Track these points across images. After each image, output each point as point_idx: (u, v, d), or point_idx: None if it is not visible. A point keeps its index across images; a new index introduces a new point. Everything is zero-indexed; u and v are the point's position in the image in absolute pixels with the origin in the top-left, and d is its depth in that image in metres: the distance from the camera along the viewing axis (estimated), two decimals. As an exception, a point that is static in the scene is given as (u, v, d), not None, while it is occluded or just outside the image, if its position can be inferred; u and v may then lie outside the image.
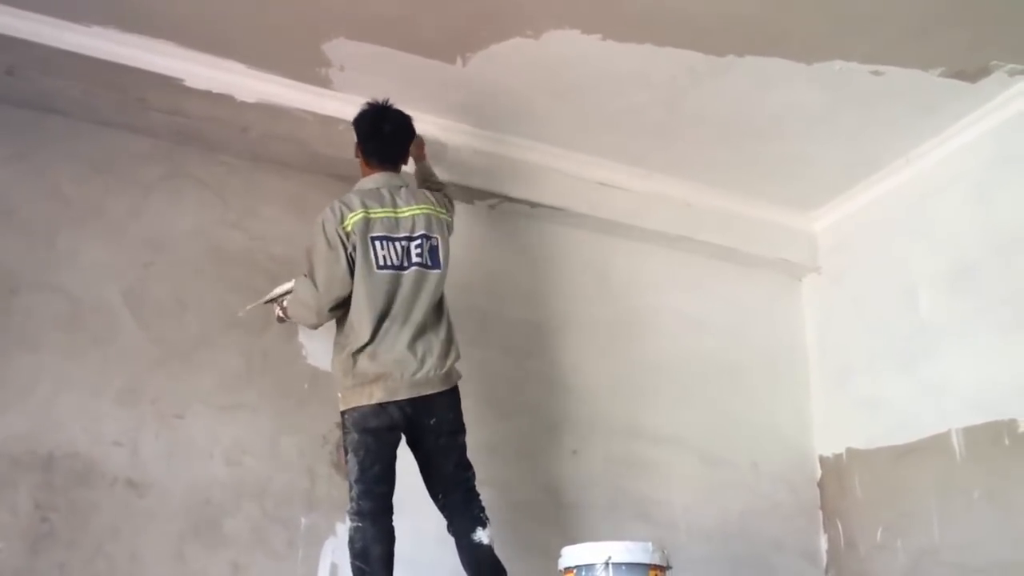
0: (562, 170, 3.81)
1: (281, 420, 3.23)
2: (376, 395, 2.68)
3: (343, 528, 3.17)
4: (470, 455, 3.40)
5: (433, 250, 2.85)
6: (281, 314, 2.98)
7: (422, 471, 2.83)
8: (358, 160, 3.02)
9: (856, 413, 3.91)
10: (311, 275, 2.79)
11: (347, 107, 3.43)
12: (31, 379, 2.97)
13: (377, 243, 2.76)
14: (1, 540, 2.79)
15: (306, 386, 3.30)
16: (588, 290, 3.92)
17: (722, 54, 3.18)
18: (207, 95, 3.26)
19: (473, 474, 2.85)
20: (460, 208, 3.73)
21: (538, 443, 3.61)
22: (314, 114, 3.43)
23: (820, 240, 4.26)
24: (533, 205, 3.80)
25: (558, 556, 2.66)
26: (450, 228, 3.00)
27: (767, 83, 3.32)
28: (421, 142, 3.30)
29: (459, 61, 3.24)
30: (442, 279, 2.86)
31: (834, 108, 3.46)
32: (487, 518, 2.79)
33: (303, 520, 3.16)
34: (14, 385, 2.94)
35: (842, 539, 3.88)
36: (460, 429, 2.85)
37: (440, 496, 2.80)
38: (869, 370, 3.87)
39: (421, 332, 2.77)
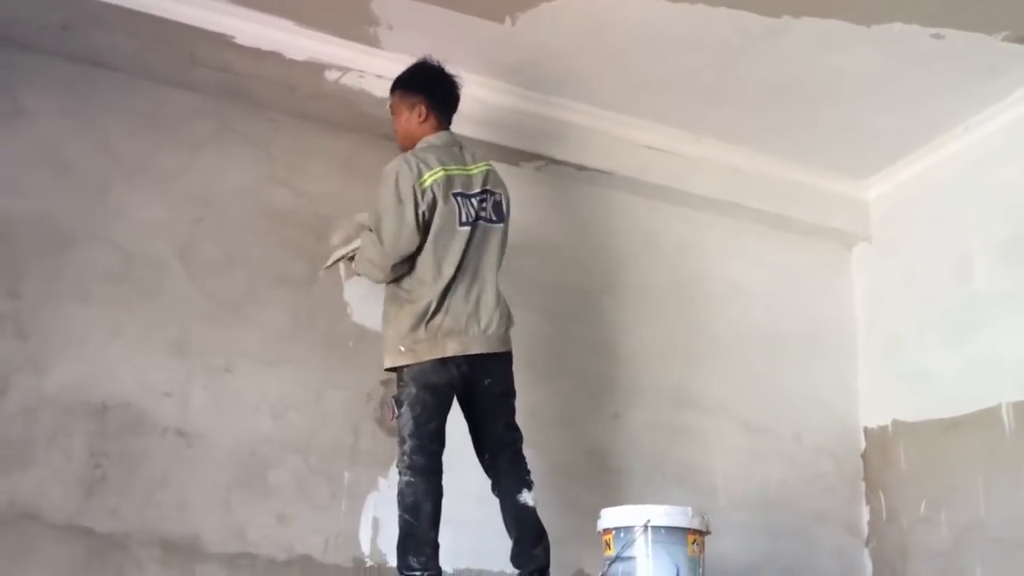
0: (610, 133, 3.77)
1: (326, 376, 3.27)
2: (450, 348, 2.67)
3: (385, 483, 3.23)
4: (514, 416, 3.45)
5: (496, 205, 2.86)
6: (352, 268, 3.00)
7: (471, 430, 2.84)
8: (408, 115, 2.93)
9: (904, 385, 3.86)
10: (376, 229, 2.73)
11: (395, 66, 3.41)
12: (84, 330, 3.04)
13: (459, 199, 2.76)
14: (56, 485, 2.88)
15: (351, 343, 3.33)
16: (634, 255, 3.90)
17: (777, 15, 3.11)
18: (256, 52, 3.26)
19: (521, 436, 2.85)
20: (505, 169, 3.71)
21: (580, 407, 3.62)
22: (362, 73, 3.42)
23: (873, 208, 4.17)
24: (580, 168, 3.77)
25: (597, 518, 2.68)
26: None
27: (823, 46, 3.24)
28: None
29: (508, 20, 3.21)
30: (505, 234, 2.88)
31: (892, 72, 3.37)
32: (532, 481, 2.79)
33: (346, 474, 3.21)
34: (68, 336, 3.02)
35: (884, 511, 3.85)
36: (511, 392, 2.85)
37: (487, 456, 2.81)
38: (918, 341, 3.80)
39: (486, 288, 2.78)
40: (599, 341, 3.73)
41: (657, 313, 3.86)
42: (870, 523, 3.92)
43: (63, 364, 2.99)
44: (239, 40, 3.23)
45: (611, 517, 2.62)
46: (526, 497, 2.74)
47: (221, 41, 3.21)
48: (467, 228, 2.76)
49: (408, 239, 2.70)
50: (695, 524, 2.56)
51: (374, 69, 3.42)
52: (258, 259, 3.31)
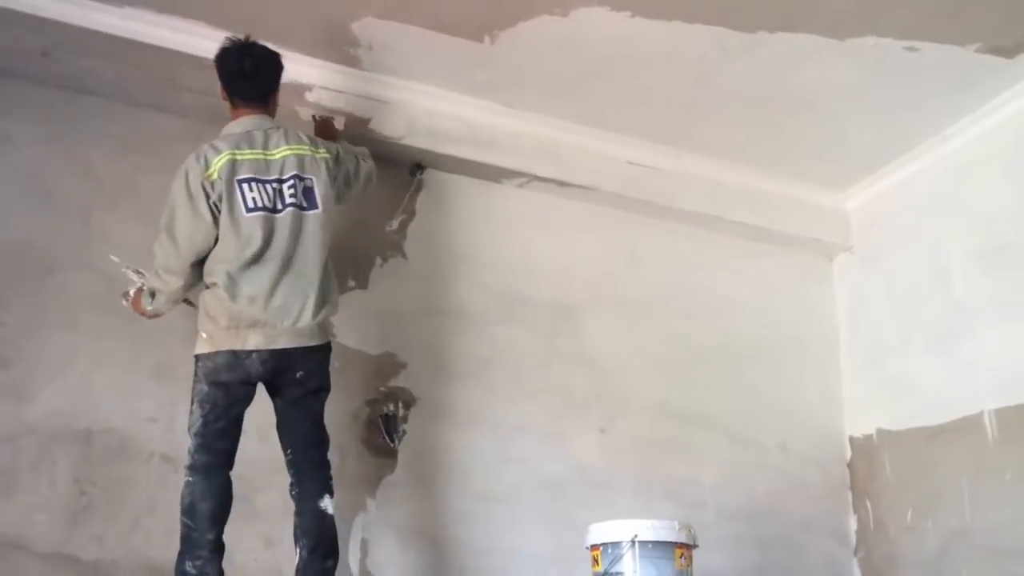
0: (591, 149, 3.80)
1: (311, 397, 3.26)
2: (252, 340, 2.58)
3: (373, 504, 3.23)
4: (498, 432, 3.47)
5: (308, 191, 2.72)
6: (138, 303, 2.80)
7: (278, 423, 2.73)
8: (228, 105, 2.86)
9: (887, 393, 3.88)
10: (168, 227, 2.64)
11: (376, 87, 3.46)
12: (68, 357, 3.03)
13: (244, 185, 2.63)
14: (42, 513, 2.87)
15: (337, 364, 3.30)
16: (617, 269, 3.92)
17: (753, 30, 3.14)
18: (237, 75, 3.27)
19: (327, 438, 2.76)
20: (487, 186, 3.75)
21: (566, 421, 3.62)
22: (343, 93, 3.43)
23: (852, 219, 4.21)
24: (562, 184, 3.79)
25: (585, 533, 2.68)
26: (331, 167, 2.81)
27: (799, 60, 3.28)
28: (333, 130, 3.27)
29: (487, 39, 3.23)
30: (324, 220, 2.73)
31: (867, 85, 3.41)
32: (333, 488, 2.69)
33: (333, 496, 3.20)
34: (52, 363, 3.01)
35: (872, 520, 3.86)
36: (325, 387, 2.76)
37: (290, 452, 2.70)
38: (901, 350, 3.83)
39: (299, 279, 2.65)
40: (583, 355, 3.74)
41: (640, 327, 3.88)
42: (858, 532, 3.93)
43: (47, 391, 2.97)
44: (220, 63, 3.24)
45: (598, 533, 2.63)
46: (326, 503, 2.64)
47: (202, 64, 3.20)
48: (259, 214, 2.63)
49: (204, 236, 2.62)
50: (682, 538, 2.57)
51: (355, 89, 3.44)
52: (242, 281, 3.30)
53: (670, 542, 2.55)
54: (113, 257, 2.91)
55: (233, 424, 2.65)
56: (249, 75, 2.80)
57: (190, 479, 2.57)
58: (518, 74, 3.42)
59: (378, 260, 3.54)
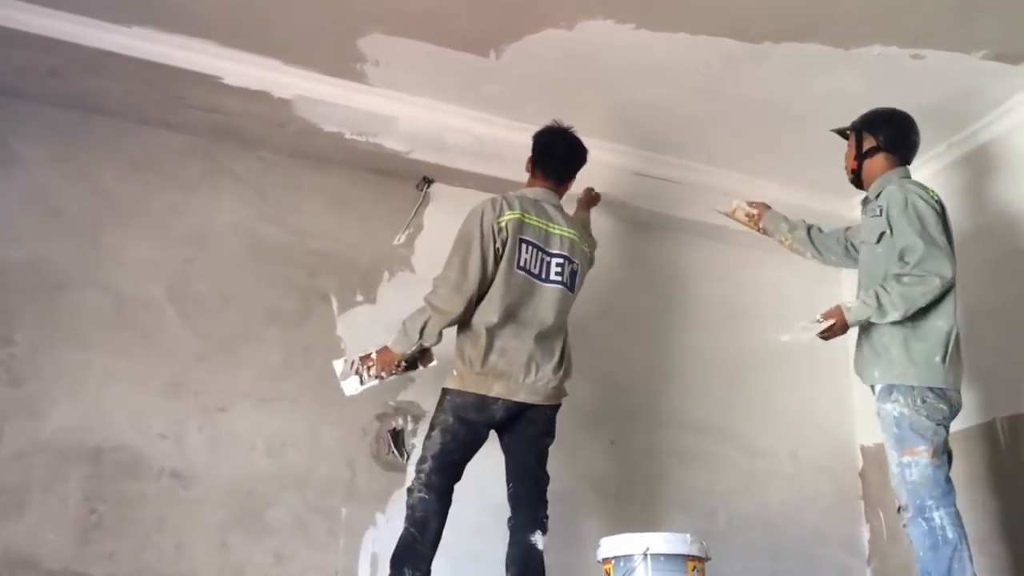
0: (599, 161, 3.77)
1: (322, 412, 3.27)
2: (495, 389, 2.79)
3: (383, 519, 3.22)
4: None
5: (573, 274, 2.98)
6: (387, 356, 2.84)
7: (505, 459, 2.92)
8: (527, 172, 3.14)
9: (898, 402, 3.85)
10: (462, 260, 2.82)
11: (382, 101, 3.47)
12: (79, 374, 3.04)
13: (524, 245, 2.88)
14: (52, 531, 2.87)
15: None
16: (627, 281, 3.92)
17: (758, 41, 3.15)
18: (245, 92, 3.28)
19: (547, 477, 2.90)
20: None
21: (577, 434, 3.61)
22: (350, 109, 3.45)
23: (861, 227, 4.19)
24: (569, 196, 3.78)
25: (597, 547, 2.67)
26: (590, 262, 3.15)
27: (805, 69, 3.28)
28: (597, 196, 3.53)
29: (492, 54, 3.25)
30: (572, 302, 3.00)
31: (874, 93, 3.39)
32: (547, 526, 2.83)
33: (344, 510, 3.20)
34: (63, 380, 3.02)
35: (884, 529, 3.84)
36: (550, 432, 2.95)
37: (511, 485, 2.87)
38: (911, 358, 3.80)
39: (547, 344, 2.89)
40: (594, 368, 3.72)
41: (651, 338, 3.87)
42: (871, 542, 3.91)
43: (58, 409, 2.99)
44: (227, 81, 3.26)
45: (610, 546, 2.61)
46: (537, 539, 2.78)
47: (209, 82, 3.24)
48: (524, 275, 2.86)
49: (485, 274, 2.82)
50: (694, 551, 2.56)
51: (362, 104, 3.45)
52: (251, 297, 3.32)
53: (682, 555, 2.53)
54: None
55: (466, 458, 2.82)
56: (561, 158, 3.11)
57: (425, 496, 2.71)
58: (524, 87, 3.43)
59: (386, 274, 3.55)
